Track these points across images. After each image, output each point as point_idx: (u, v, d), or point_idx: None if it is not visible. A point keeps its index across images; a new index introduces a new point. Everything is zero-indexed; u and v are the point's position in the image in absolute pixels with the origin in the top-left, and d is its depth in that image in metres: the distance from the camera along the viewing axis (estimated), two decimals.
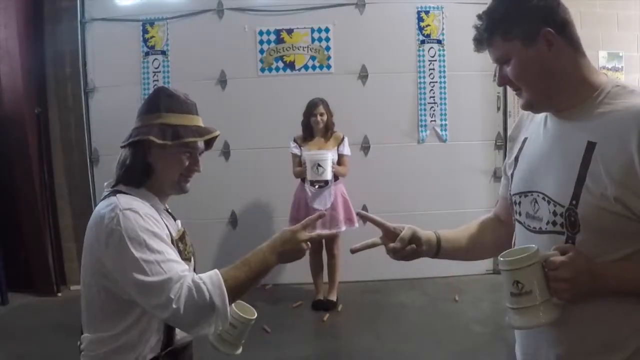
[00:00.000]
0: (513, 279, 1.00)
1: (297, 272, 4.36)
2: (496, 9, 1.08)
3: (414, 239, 1.30)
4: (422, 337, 3.47)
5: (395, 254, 1.30)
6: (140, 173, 1.34)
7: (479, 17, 1.11)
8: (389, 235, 1.32)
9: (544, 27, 1.04)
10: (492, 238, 1.37)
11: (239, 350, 1.47)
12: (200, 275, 1.23)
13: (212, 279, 1.21)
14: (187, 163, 1.37)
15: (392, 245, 1.29)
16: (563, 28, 1.06)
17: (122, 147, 1.38)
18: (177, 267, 1.21)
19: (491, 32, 1.09)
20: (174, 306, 1.16)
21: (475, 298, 4.11)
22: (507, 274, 1.01)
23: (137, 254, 1.19)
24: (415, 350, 3.30)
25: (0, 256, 4.33)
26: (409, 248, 1.29)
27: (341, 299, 4.08)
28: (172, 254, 1.25)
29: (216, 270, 1.24)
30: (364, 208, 4.51)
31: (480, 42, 1.12)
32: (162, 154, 1.33)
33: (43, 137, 4.47)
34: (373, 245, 1.33)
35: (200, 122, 1.39)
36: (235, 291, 1.24)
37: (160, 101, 1.36)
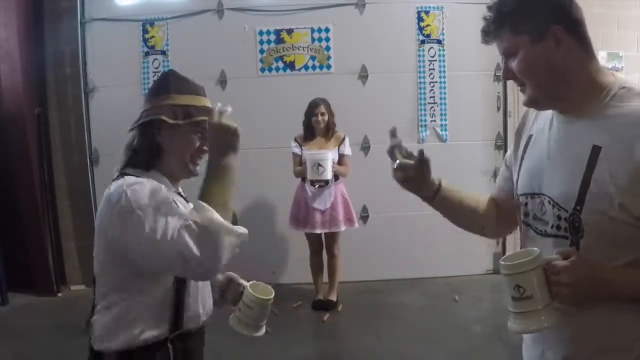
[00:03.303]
0: (515, 283, 0.99)
1: (297, 272, 4.37)
2: (507, 1, 1.07)
3: (427, 164, 1.26)
4: (422, 337, 3.47)
5: (405, 170, 1.25)
6: (150, 154, 1.34)
7: (489, 8, 1.09)
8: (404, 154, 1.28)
9: (554, 25, 1.03)
10: (494, 215, 1.35)
11: (261, 332, 1.47)
12: (190, 216, 1.19)
13: (197, 212, 1.18)
14: (197, 143, 1.37)
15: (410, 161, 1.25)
16: (574, 27, 1.05)
17: (130, 130, 1.37)
18: (175, 221, 1.19)
19: (500, 24, 1.07)
20: (192, 257, 1.13)
21: (475, 298, 4.11)
22: (509, 278, 1.00)
23: (147, 223, 1.18)
24: (415, 350, 3.29)
25: (0, 256, 4.33)
26: (424, 165, 1.25)
27: (341, 299, 4.08)
28: (175, 208, 1.23)
29: (197, 200, 1.21)
30: (364, 208, 4.51)
31: (488, 34, 1.10)
32: (172, 134, 1.33)
33: (43, 137, 4.46)
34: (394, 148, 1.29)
35: (208, 103, 1.40)
36: (222, 204, 1.22)
37: (170, 83, 1.37)
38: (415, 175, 1.26)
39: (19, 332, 3.71)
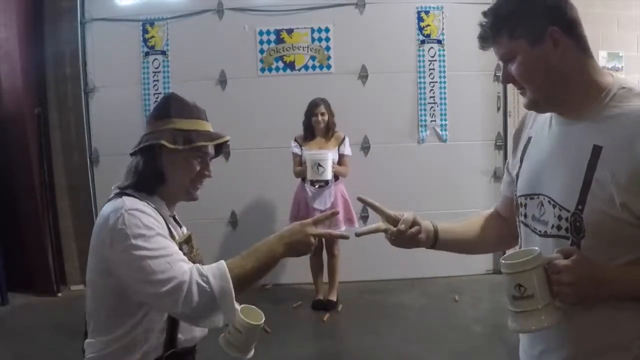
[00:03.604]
0: (515, 282, 0.99)
1: (297, 272, 4.36)
2: (502, 6, 1.06)
3: (415, 223, 1.29)
4: (422, 337, 3.47)
5: (397, 238, 1.28)
6: (154, 180, 1.34)
7: (484, 14, 1.09)
8: (390, 221, 1.31)
9: (551, 26, 1.03)
10: (493, 234, 1.36)
11: (250, 355, 1.47)
12: (205, 267, 1.23)
13: (216, 272, 1.21)
14: (198, 168, 1.37)
15: (396, 228, 1.28)
16: (570, 27, 1.05)
17: (131, 154, 1.37)
18: (184, 266, 1.22)
19: (497, 30, 1.07)
20: (181, 303, 1.17)
21: (475, 298, 4.11)
22: (509, 277, 1.00)
23: (142, 252, 1.19)
24: (415, 350, 3.29)
25: (0, 256, 4.33)
26: (412, 230, 1.28)
27: (341, 299, 4.08)
28: (177, 251, 1.26)
29: (222, 261, 1.24)
30: (364, 208, 4.50)
31: (486, 40, 1.10)
32: (173, 159, 1.33)
33: (43, 137, 4.46)
34: (377, 230, 1.31)
35: (210, 127, 1.40)
36: (242, 281, 1.24)
37: (171, 107, 1.37)
38: (406, 239, 1.29)
39: (19, 332, 3.71)
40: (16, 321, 3.96)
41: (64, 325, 3.58)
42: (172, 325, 1.32)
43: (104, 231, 1.24)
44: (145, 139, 1.35)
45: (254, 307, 1.48)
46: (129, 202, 1.26)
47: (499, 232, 1.35)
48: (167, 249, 1.23)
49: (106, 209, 1.28)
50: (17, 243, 4.42)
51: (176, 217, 1.47)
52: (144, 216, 1.24)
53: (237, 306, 1.48)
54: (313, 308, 4.00)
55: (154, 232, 1.23)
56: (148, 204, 1.30)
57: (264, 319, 1.45)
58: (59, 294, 4.45)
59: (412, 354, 3.26)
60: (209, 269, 1.22)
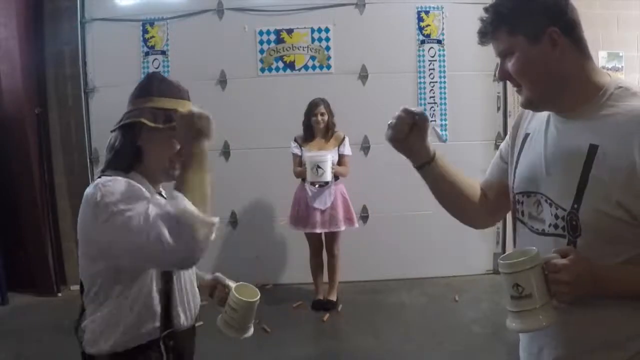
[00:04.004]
0: (513, 282, 1.00)
1: (297, 272, 4.37)
2: (503, 3, 1.07)
3: (424, 127, 1.24)
4: (422, 337, 3.47)
5: (402, 119, 1.24)
6: (130, 156, 1.34)
7: (486, 9, 1.10)
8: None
9: (550, 26, 1.03)
10: (477, 199, 1.34)
11: (248, 333, 1.45)
12: (165, 205, 1.17)
13: (172, 202, 1.16)
14: (177, 147, 1.36)
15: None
16: (570, 28, 1.05)
17: (112, 131, 1.38)
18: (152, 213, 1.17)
19: (497, 25, 1.08)
20: (164, 247, 1.11)
21: (475, 298, 4.11)
22: (508, 277, 1.01)
23: (123, 216, 1.17)
24: (415, 350, 3.30)
25: (0, 256, 4.33)
26: (421, 112, 1.23)
27: (341, 299, 4.08)
28: (158, 203, 1.22)
29: (172, 190, 1.19)
30: (364, 208, 4.51)
31: (485, 35, 1.11)
32: (152, 137, 1.33)
33: (43, 137, 4.47)
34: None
35: (191, 107, 1.39)
36: (196, 194, 1.17)
37: (153, 85, 1.37)
38: (407, 133, 1.24)
39: (19, 332, 3.71)
40: (16, 321, 3.97)
41: (64, 325, 3.56)
42: (166, 302, 1.32)
43: (85, 209, 1.26)
44: (126, 116, 1.36)
45: (249, 284, 1.47)
46: (105, 179, 1.27)
47: (483, 201, 1.34)
48: (142, 205, 1.19)
49: (86, 192, 1.29)
50: (17, 243, 4.42)
51: (163, 193, 1.46)
52: (117, 184, 1.24)
53: (232, 283, 1.47)
54: (313, 308, 4.00)
55: (128, 193, 1.22)
56: (127, 181, 1.30)
57: (259, 295, 1.44)
58: (59, 294, 4.45)
59: (411, 354, 3.26)
60: (169, 204, 1.16)
